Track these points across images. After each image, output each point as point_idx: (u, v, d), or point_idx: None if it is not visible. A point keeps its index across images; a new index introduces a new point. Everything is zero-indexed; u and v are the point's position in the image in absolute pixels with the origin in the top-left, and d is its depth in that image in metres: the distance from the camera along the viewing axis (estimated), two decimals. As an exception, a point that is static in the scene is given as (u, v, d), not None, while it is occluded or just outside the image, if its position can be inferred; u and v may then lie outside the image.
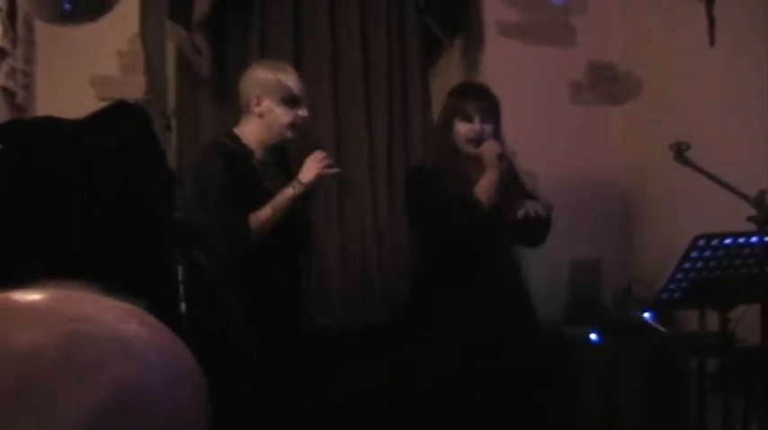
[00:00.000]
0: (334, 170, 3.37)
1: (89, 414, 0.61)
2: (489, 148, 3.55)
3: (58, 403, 0.61)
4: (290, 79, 3.43)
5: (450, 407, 3.48)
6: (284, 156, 3.64)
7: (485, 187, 3.52)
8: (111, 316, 0.68)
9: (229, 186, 3.31)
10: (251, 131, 3.45)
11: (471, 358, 3.47)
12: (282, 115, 3.40)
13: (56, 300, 0.68)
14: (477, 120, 3.59)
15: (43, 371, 0.62)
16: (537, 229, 3.62)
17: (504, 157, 3.55)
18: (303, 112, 3.43)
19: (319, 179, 3.37)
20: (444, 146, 3.66)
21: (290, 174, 3.46)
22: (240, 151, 3.41)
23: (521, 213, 3.54)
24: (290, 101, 3.40)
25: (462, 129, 3.61)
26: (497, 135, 3.64)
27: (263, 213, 3.31)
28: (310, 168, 3.34)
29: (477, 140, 3.58)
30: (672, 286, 3.15)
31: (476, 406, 3.47)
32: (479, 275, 3.61)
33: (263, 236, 3.31)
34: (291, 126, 3.42)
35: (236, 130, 3.49)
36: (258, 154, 3.45)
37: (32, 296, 0.68)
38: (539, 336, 3.79)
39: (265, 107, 3.41)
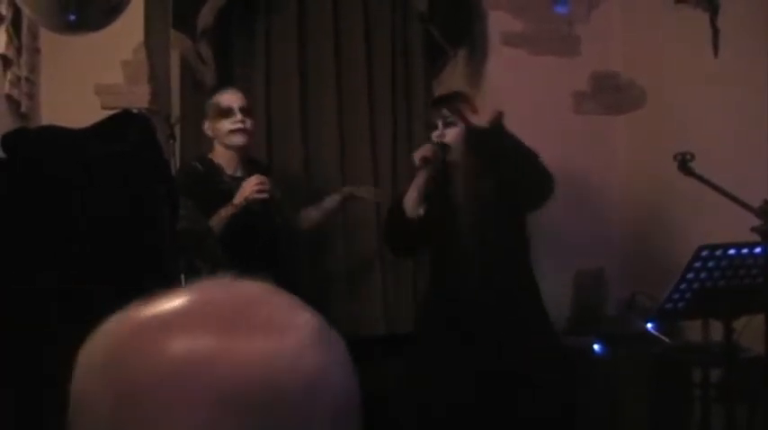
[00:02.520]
0: (263, 195, 3.68)
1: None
2: (417, 153, 3.74)
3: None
4: (221, 96, 3.86)
5: (451, 414, 3.48)
6: (267, 170, 3.93)
7: (408, 193, 3.74)
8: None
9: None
10: (217, 152, 3.86)
11: (474, 367, 3.48)
12: (220, 127, 3.81)
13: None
14: (440, 125, 3.73)
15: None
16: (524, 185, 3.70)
17: (427, 161, 3.69)
18: (235, 118, 3.78)
19: (251, 202, 3.66)
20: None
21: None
22: (208, 171, 3.79)
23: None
24: (221, 113, 3.80)
25: (434, 137, 3.76)
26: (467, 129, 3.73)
27: None
28: (243, 192, 3.67)
29: (442, 145, 3.72)
30: (675, 296, 3.14)
31: (477, 416, 3.47)
32: (480, 281, 3.63)
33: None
34: (231, 133, 3.79)
35: (210, 154, 3.88)
36: (229, 170, 3.82)
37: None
38: (553, 344, 3.79)
39: (210, 128, 3.86)
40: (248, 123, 3.82)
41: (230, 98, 3.84)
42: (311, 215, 4.13)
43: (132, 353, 0.65)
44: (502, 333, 3.58)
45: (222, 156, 3.83)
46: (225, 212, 3.62)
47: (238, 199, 3.64)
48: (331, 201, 4.14)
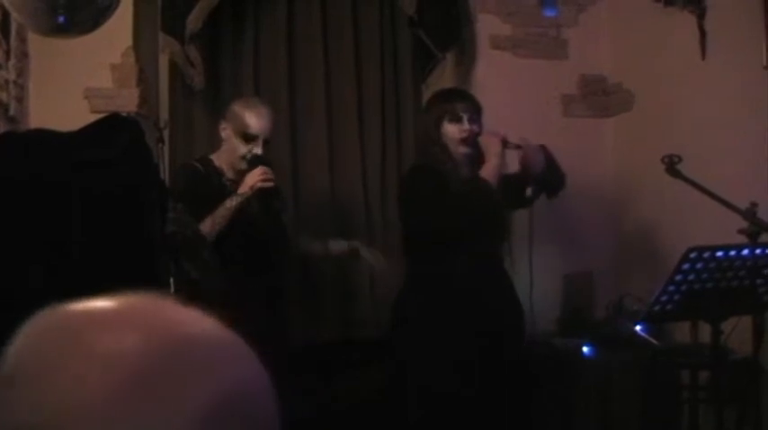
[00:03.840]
0: (269, 184, 3.58)
1: (203, 409, 0.66)
2: (492, 137, 3.61)
3: (173, 400, 0.65)
4: (252, 117, 3.65)
5: (442, 418, 3.47)
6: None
7: (489, 169, 3.55)
8: (209, 321, 0.73)
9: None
10: (222, 153, 3.74)
11: (460, 366, 3.47)
12: (238, 147, 3.65)
13: (153, 305, 0.72)
14: (465, 119, 3.61)
15: (154, 370, 0.66)
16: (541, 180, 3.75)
17: (507, 143, 3.62)
18: (257, 150, 3.64)
19: (256, 191, 3.56)
20: (437, 147, 3.65)
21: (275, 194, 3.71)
22: (208, 172, 3.70)
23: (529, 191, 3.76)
24: (245, 136, 3.64)
25: (452, 129, 3.62)
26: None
27: (203, 226, 3.50)
28: (248, 181, 3.57)
29: (467, 140, 3.60)
30: (664, 298, 3.15)
31: (469, 417, 3.47)
32: (466, 278, 3.61)
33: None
34: (243, 158, 3.64)
35: (213, 154, 3.77)
36: (230, 174, 3.71)
37: (126, 302, 0.71)
38: (527, 342, 3.81)
39: (226, 134, 3.69)
40: (262, 154, 3.70)
41: (260, 126, 3.65)
42: (313, 248, 4.15)
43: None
44: (505, 325, 3.60)
45: (225, 160, 3.73)
46: (230, 203, 3.54)
47: (243, 188, 3.56)
48: (337, 247, 4.09)
